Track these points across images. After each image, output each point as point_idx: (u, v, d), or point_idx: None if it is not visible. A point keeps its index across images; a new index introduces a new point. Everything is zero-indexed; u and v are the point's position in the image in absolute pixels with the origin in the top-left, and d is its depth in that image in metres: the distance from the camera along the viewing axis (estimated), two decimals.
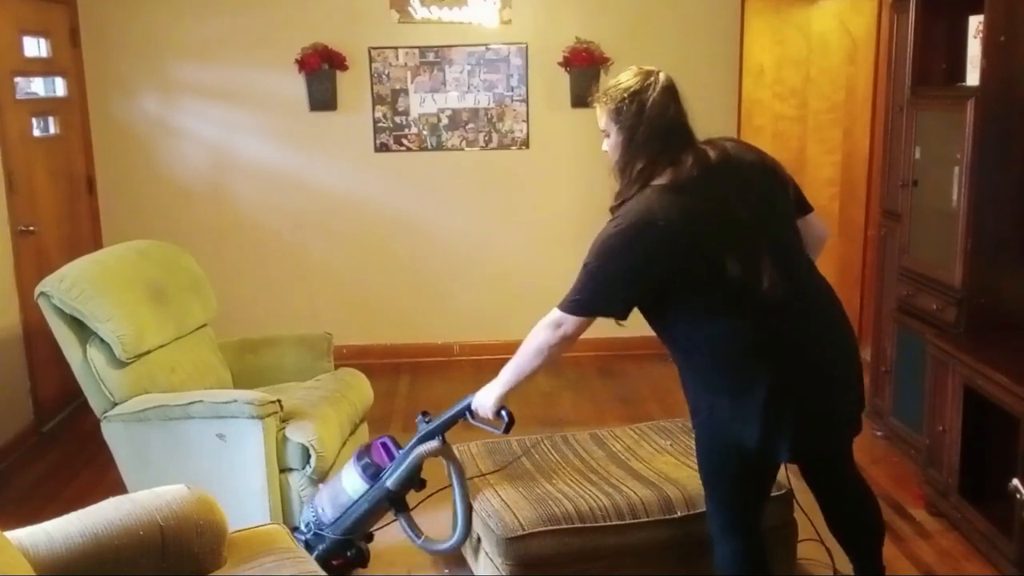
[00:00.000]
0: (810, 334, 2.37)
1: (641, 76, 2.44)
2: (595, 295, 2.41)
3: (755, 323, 2.32)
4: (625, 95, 2.39)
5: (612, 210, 2.49)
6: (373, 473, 2.94)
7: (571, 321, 2.47)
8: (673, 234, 2.31)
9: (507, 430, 2.75)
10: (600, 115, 2.45)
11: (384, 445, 3.01)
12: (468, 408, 2.78)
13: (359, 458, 2.98)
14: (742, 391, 2.34)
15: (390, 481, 2.91)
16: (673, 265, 2.33)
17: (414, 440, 2.92)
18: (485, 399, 2.73)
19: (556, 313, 2.49)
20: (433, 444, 2.88)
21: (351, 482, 2.97)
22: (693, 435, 2.55)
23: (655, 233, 2.33)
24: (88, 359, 3.40)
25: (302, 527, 3.07)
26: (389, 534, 3.54)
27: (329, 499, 3.02)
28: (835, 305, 2.48)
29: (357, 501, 2.96)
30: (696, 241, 2.32)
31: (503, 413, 2.74)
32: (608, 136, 2.47)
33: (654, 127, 2.42)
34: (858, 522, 2.74)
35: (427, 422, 2.94)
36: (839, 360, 2.45)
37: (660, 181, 2.39)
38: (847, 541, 2.77)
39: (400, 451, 2.95)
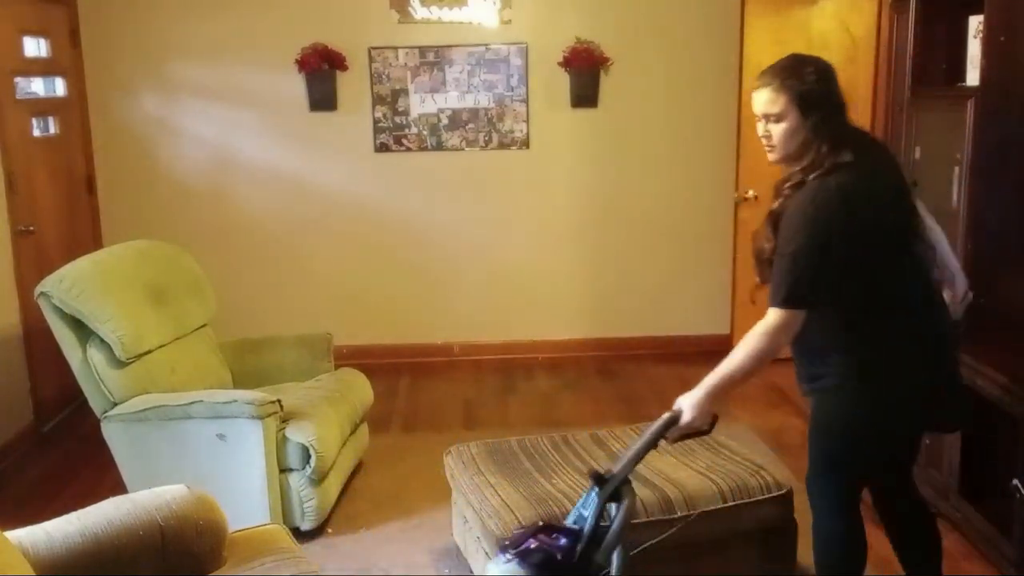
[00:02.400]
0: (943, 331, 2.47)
1: (811, 60, 2.48)
2: (808, 280, 2.31)
3: (923, 308, 2.43)
4: (811, 78, 2.42)
5: (779, 192, 2.44)
6: (552, 566, 2.13)
7: (793, 316, 2.34)
8: (870, 211, 2.33)
9: (712, 428, 2.48)
10: (772, 99, 2.44)
11: (539, 533, 2.20)
12: (666, 428, 2.40)
13: (526, 559, 2.12)
14: (907, 372, 2.38)
15: (602, 555, 2.14)
16: (866, 240, 2.33)
17: (596, 499, 2.17)
18: (703, 406, 2.40)
19: (777, 314, 2.34)
20: (632, 493, 2.23)
21: None
22: (819, 411, 2.48)
23: (852, 207, 2.30)
24: (88, 359, 3.41)
25: None
26: (387, 533, 3.55)
27: None
28: None
29: None
30: (885, 221, 2.37)
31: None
32: (779, 121, 2.45)
33: (838, 110, 2.44)
34: (925, 542, 2.71)
35: (602, 477, 2.19)
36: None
37: (842, 160, 2.36)
38: (911, 560, 2.71)
39: (581, 518, 2.19)
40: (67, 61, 5.22)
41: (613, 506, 2.17)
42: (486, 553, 2.89)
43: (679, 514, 2.84)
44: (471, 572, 3.13)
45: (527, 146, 5.60)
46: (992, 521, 3.11)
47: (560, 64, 5.46)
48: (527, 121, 5.56)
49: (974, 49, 3.48)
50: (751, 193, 5.24)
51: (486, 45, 5.47)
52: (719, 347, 5.60)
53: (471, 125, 5.56)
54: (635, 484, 2.92)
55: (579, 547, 2.12)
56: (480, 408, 4.97)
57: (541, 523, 2.29)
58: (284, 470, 3.43)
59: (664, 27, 5.50)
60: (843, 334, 2.41)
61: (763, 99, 2.47)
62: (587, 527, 2.13)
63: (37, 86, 5.05)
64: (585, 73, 5.45)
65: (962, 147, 3.41)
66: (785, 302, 2.32)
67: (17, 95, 4.67)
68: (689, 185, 5.67)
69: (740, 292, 5.42)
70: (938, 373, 2.44)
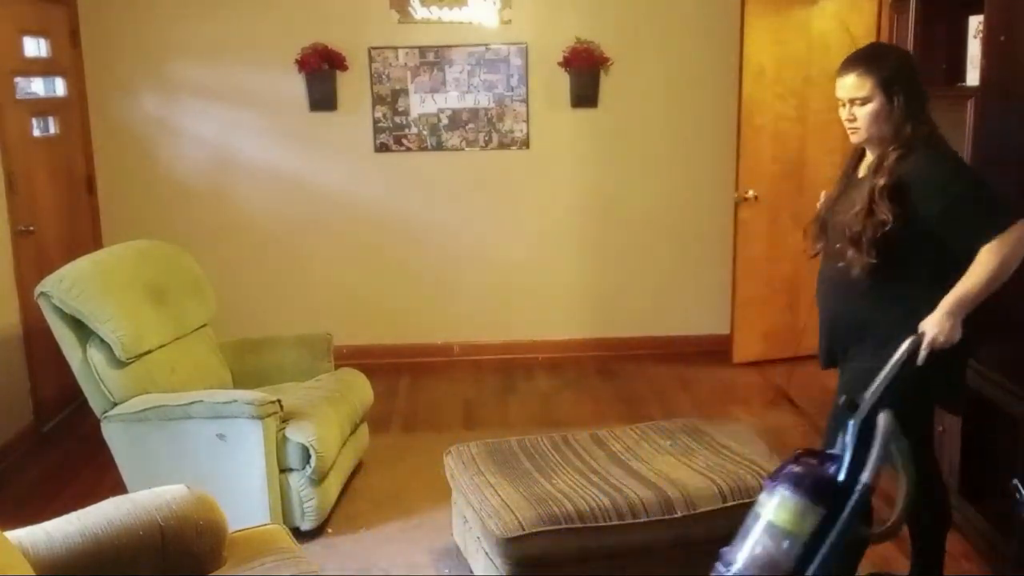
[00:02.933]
0: None
1: (894, 48, 2.80)
2: (997, 197, 2.53)
3: None
4: (895, 63, 2.62)
5: (880, 169, 2.59)
6: (827, 490, 2.18)
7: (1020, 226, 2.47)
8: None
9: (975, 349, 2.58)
10: (858, 84, 2.59)
11: (803, 459, 2.28)
12: (913, 352, 2.42)
13: (798, 484, 2.18)
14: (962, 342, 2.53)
15: (867, 475, 2.18)
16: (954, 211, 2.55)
17: (854, 425, 2.25)
18: (945, 328, 2.45)
19: (1007, 231, 2.45)
20: (889, 413, 2.25)
21: (799, 519, 2.16)
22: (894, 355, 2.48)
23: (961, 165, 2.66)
24: (88, 359, 3.41)
25: None
26: (387, 533, 3.55)
27: (763, 559, 2.21)
28: None
29: (824, 539, 2.15)
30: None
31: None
32: (865, 103, 2.61)
33: (918, 95, 2.63)
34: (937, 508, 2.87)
35: (855, 403, 2.29)
36: None
37: (937, 131, 2.62)
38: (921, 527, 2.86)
39: (843, 445, 2.26)
40: (67, 61, 5.22)
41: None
42: (486, 553, 2.89)
43: (679, 514, 2.84)
44: (471, 572, 3.13)
45: (527, 146, 5.60)
46: (992, 521, 3.11)
47: (560, 64, 5.46)
48: (527, 121, 5.56)
49: (974, 49, 3.48)
50: (751, 193, 5.24)
51: (486, 45, 5.47)
52: (719, 347, 5.63)
53: (471, 125, 5.56)
54: (635, 484, 2.93)
55: (843, 471, 2.20)
56: (480, 408, 4.97)
57: (799, 451, 2.35)
58: (284, 470, 3.43)
59: (664, 27, 5.50)
60: (928, 294, 2.53)
61: (849, 83, 2.62)
62: (848, 451, 2.21)
63: (37, 86, 5.05)
64: (585, 73, 5.45)
65: (962, 147, 3.41)
66: (1008, 213, 2.47)
67: (17, 95, 4.67)
68: (689, 185, 5.67)
69: (740, 292, 5.41)
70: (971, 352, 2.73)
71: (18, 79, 4.69)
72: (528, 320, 5.80)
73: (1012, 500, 2.87)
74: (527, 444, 3.30)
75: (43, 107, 5.03)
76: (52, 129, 5.07)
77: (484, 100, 5.53)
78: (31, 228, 4.61)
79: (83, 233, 5.29)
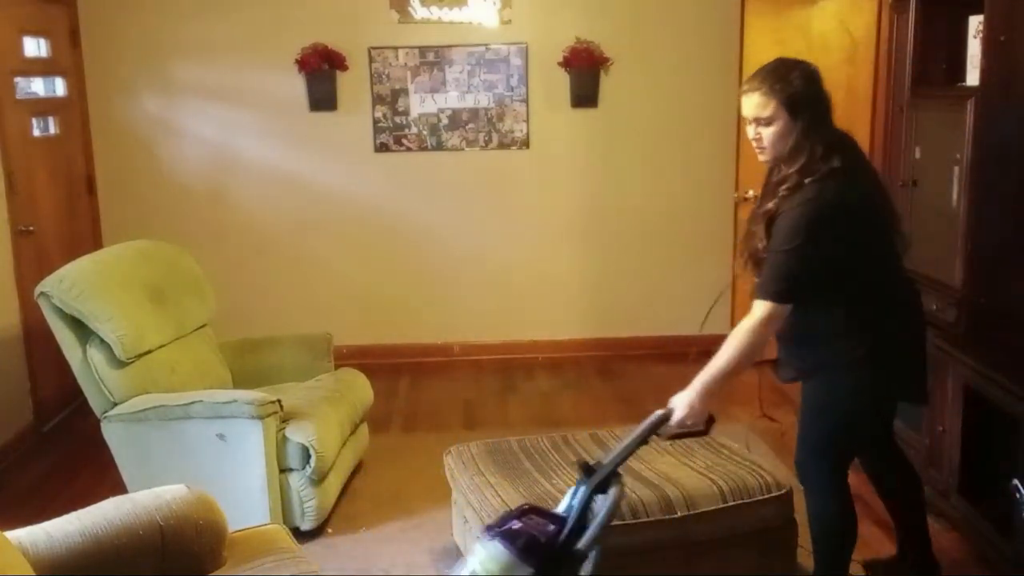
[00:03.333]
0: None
1: (798, 63, 2.58)
2: (801, 277, 2.49)
3: (907, 292, 2.70)
4: (798, 82, 2.52)
5: (773, 193, 2.55)
6: (539, 551, 2.13)
7: (782, 310, 2.51)
8: (871, 205, 2.57)
9: (708, 429, 2.59)
10: (761, 103, 2.53)
11: (526, 516, 2.21)
12: (657, 426, 2.49)
13: (513, 541, 2.12)
14: (899, 347, 2.63)
15: (585, 543, 2.15)
16: (868, 234, 2.55)
17: (584, 490, 2.22)
18: (694, 404, 2.52)
19: (767, 307, 2.50)
20: (620, 486, 2.24)
21: (503, 573, 2.09)
22: (819, 386, 2.66)
23: (849, 211, 2.50)
24: (88, 359, 3.41)
25: None
26: (387, 533, 3.55)
27: None
28: None
29: None
30: (876, 221, 2.58)
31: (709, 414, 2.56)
32: (769, 124, 2.55)
33: (826, 112, 2.57)
34: (910, 490, 2.98)
35: (590, 468, 2.26)
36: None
37: (834, 165, 2.50)
38: (906, 501, 2.99)
39: (570, 507, 2.22)
40: (67, 61, 5.22)
41: (599, 498, 2.20)
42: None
43: (679, 514, 2.84)
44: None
45: (527, 146, 5.60)
46: (992, 521, 3.11)
47: (560, 64, 5.46)
48: (527, 121, 5.56)
49: (974, 49, 3.47)
50: (751, 193, 5.24)
51: (486, 45, 5.47)
52: (719, 347, 5.61)
53: (471, 125, 5.56)
54: (635, 484, 2.93)
55: (563, 534, 2.14)
56: (480, 408, 4.97)
57: (526, 506, 2.29)
58: (284, 470, 3.43)
59: (664, 27, 5.50)
60: (847, 321, 2.58)
61: (753, 103, 2.55)
62: (572, 515, 2.17)
63: (37, 86, 5.05)
64: (585, 73, 5.45)
65: (962, 147, 3.41)
66: (776, 296, 2.49)
67: (17, 95, 4.67)
68: (689, 185, 5.67)
69: (740, 292, 5.41)
70: (923, 347, 2.72)
71: (18, 79, 4.69)
72: (528, 320, 5.80)
73: (1012, 500, 2.87)
74: (527, 444, 3.30)
75: (43, 107, 5.03)
76: (52, 129, 5.07)
77: (484, 100, 5.53)
78: (31, 228, 4.61)
79: (83, 233, 5.29)
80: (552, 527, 2.18)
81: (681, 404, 2.52)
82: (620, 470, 2.26)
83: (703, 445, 3.25)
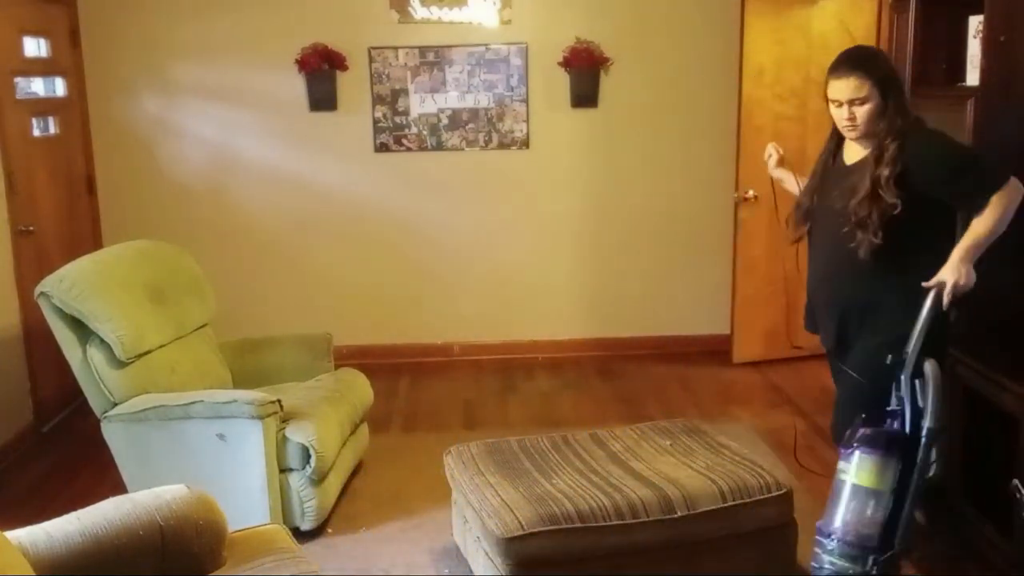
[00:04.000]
0: None
1: (877, 50, 3.09)
2: (990, 162, 2.80)
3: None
4: (885, 65, 2.89)
5: (883, 158, 2.79)
6: (900, 444, 2.49)
7: (1017, 182, 2.73)
8: None
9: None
10: (858, 85, 2.80)
11: (864, 425, 2.56)
12: (939, 300, 2.66)
13: (872, 445, 2.49)
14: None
15: (931, 420, 2.50)
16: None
17: (905, 380, 2.58)
18: (962, 268, 2.68)
19: (1008, 183, 2.71)
20: (933, 362, 2.58)
21: (880, 475, 2.46)
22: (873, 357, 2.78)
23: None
24: (88, 359, 3.41)
25: None
26: (387, 533, 3.55)
27: (855, 519, 2.53)
28: None
29: (903, 488, 2.49)
30: None
31: None
32: (864, 103, 2.81)
33: (902, 90, 2.93)
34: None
35: (900, 361, 2.60)
36: None
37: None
38: None
39: (900, 400, 2.56)
40: (67, 61, 5.22)
41: (918, 383, 2.56)
42: (486, 553, 2.89)
43: (679, 514, 2.84)
44: (471, 572, 3.13)
45: (527, 146, 5.60)
46: (992, 521, 3.11)
47: (560, 64, 5.46)
48: (527, 121, 5.56)
49: (974, 49, 3.48)
50: (751, 193, 5.24)
51: (486, 45, 5.47)
52: (719, 347, 5.63)
53: (471, 125, 5.56)
54: (635, 483, 2.93)
55: (907, 424, 2.49)
56: (480, 408, 4.97)
57: (863, 415, 2.58)
58: (284, 470, 3.43)
59: (664, 27, 5.50)
60: (930, 259, 2.77)
61: (851, 85, 2.81)
62: (907, 405, 2.52)
63: (37, 86, 5.05)
64: (585, 73, 5.45)
65: None
66: (1004, 175, 2.72)
67: (17, 95, 4.67)
68: (689, 185, 5.67)
69: (740, 292, 5.42)
70: None
71: (18, 79, 4.69)
72: (528, 320, 5.80)
73: (1012, 500, 2.87)
74: (527, 444, 3.30)
75: (43, 107, 5.03)
76: (52, 129, 5.07)
77: (484, 100, 5.53)
78: (31, 228, 4.61)
79: (83, 233, 5.29)
80: (894, 422, 2.51)
81: (950, 273, 2.67)
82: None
83: (703, 445, 3.25)
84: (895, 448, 2.49)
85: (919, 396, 2.55)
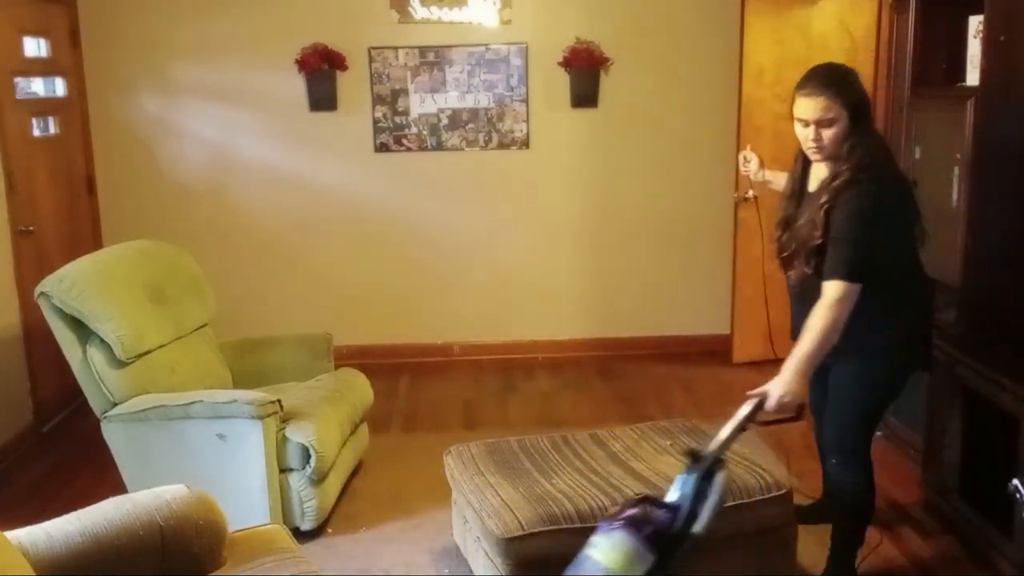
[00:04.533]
0: None
1: (848, 69, 2.82)
2: (867, 259, 2.68)
3: (923, 276, 2.94)
4: (858, 87, 2.76)
5: (830, 187, 2.75)
6: (662, 538, 2.24)
7: (855, 288, 2.66)
8: (906, 200, 2.83)
9: (800, 415, 2.66)
10: (827, 106, 2.71)
11: (642, 504, 2.32)
12: (756, 411, 2.53)
13: (638, 529, 2.23)
14: (922, 328, 2.93)
15: (700, 527, 2.27)
16: (904, 226, 2.82)
17: (695, 477, 2.32)
18: (792, 388, 2.58)
19: (841, 286, 2.65)
20: (725, 471, 2.38)
21: (628, 562, 2.20)
22: (861, 367, 2.83)
23: (896, 203, 2.77)
24: (88, 359, 3.41)
25: None
26: (387, 533, 3.55)
27: None
28: None
29: None
30: (908, 212, 2.83)
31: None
32: (831, 125, 2.73)
33: (871, 113, 2.84)
34: None
35: (697, 456, 2.37)
36: None
37: (882, 162, 2.77)
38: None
39: (682, 496, 2.32)
40: (67, 61, 5.22)
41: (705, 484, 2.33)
42: (486, 553, 2.89)
43: None
44: (471, 572, 3.13)
45: (527, 146, 5.60)
46: (992, 521, 3.11)
47: (560, 64, 5.46)
48: (527, 121, 5.56)
49: (974, 49, 3.48)
50: (751, 193, 5.19)
51: (486, 45, 5.47)
52: (719, 347, 5.63)
53: (471, 125, 5.56)
54: (635, 483, 2.93)
55: (679, 521, 2.26)
56: (480, 408, 4.97)
57: (638, 496, 2.45)
58: (284, 470, 3.43)
59: (664, 27, 5.50)
60: (884, 305, 2.77)
61: (819, 106, 2.71)
62: (687, 503, 2.28)
63: (37, 86, 5.05)
64: (585, 73, 5.45)
65: (962, 147, 3.41)
66: (849, 276, 2.65)
67: (17, 95, 4.67)
68: (689, 185, 5.67)
69: (740, 292, 5.41)
70: (932, 321, 3.04)
71: (18, 79, 4.69)
72: (528, 320, 5.80)
73: (1012, 500, 2.87)
74: (527, 444, 3.30)
75: (43, 107, 5.03)
76: (52, 129, 5.07)
77: (484, 100, 5.53)
78: (31, 228, 4.61)
79: (83, 233, 5.29)
80: (667, 514, 2.28)
81: (777, 387, 2.57)
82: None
83: (704, 445, 3.24)
84: (655, 542, 2.23)
85: (701, 499, 2.30)
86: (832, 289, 2.65)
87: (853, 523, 3.01)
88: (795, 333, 3.05)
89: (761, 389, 2.57)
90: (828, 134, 2.73)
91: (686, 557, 2.25)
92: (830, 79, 2.74)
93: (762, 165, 3.40)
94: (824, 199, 2.73)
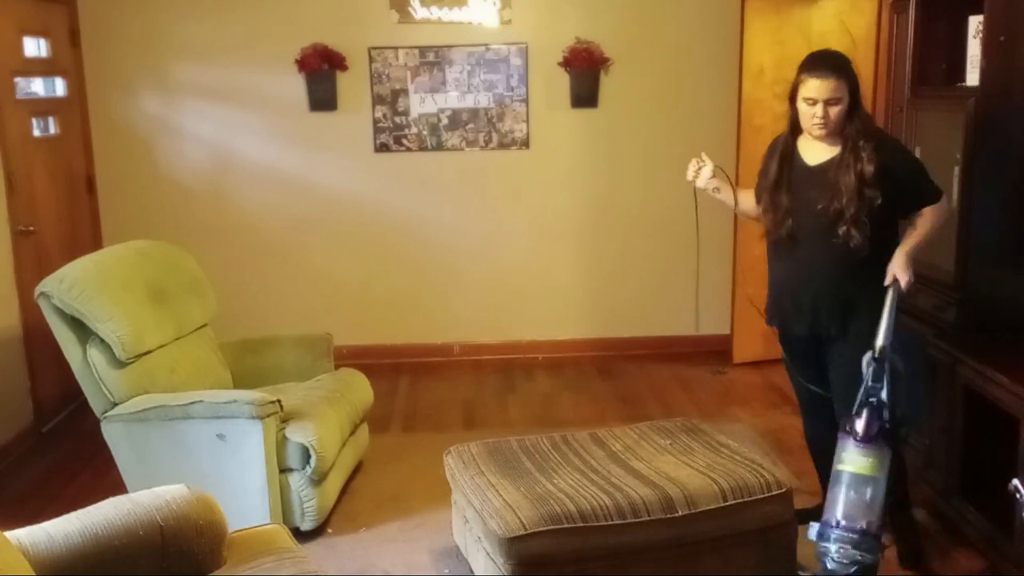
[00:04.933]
0: None
1: (845, 55, 3.11)
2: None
3: None
4: (853, 71, 3.05)
5: (859, 155, 3.00)
6: (891, 435, 2.81)
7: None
8: None
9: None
10: (837, 86, 2.98)
11: (861, 414, 2.84)
12: (899, 295, 2.95)
13: (868, 439, 2.80)
14: None
15: (903, 408, 2.91)
16: None
17: (885, 370, 2.88)
18: (910, 272, 2.97)
19: (943, 200, 3.08)
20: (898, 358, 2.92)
21: (877, 463, 2.76)
22: (861, 343, 2.99)
23: None
24: (88, 359, 3.41)
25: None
26: (387, 533, 3.55)
27: (856, 504, 2.75)
28: None
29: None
30: None
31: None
32: (837, 104, 3.00)
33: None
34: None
35: (878, 352, 2.89)
36: None
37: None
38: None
39: (873, 392, 2.87)
40: (67, 61, 5.22)
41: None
42: (487, 553, 2.89)
43: (680, 513, 2.84)
44: (471, 572, 3.13)
45: (527, 146, 5.60)
46: (992, 521, 3.11)
47: (560, 64, 5.46)
48: (527, 121, 5.56)
49: (974, 49, 3.48)
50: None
51: (486, 45, 5.47)
52: (719, 347, 5.63)
53: (471, 125, 5.56)
54: (635, 483, 2.93)
55: (889, 414, 2.81)
56: (480, 408, 4.97)
57: (859, 402, 2.85)
58: (284, 470, 3.43)
59: (664, 27, 5.50)
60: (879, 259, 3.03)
61: (830, 86, 2.98)
62: (886, 395, 2.84)
63: (37, 86, 5.04)
64: (585, 73, 5.44)
65: (962, 147, 3.41)
66: (938, 194, 3.07)
67: (17, 95, 4.67)
68: (689, 185, 5.65)
69: (740, 292, 5.41)
70: None
71: (18, 79, 4.69)
72: (528, 320, 5.80)
73: (1012, 500, 2.87)
74: (527, 444, 3.30)
75: (43, 107, 5.03)
76: (52, 129, 5.07)
77: (484, 100, 5.53)
78: (31, 228, 4.61)
79: (83, 233, 5.29)
80: (880, 415, 2.80)
81: (901, 270, 2.96)
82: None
83: (703, 444, 3.25)
84: (888, 440, 2.78)
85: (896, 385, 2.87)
86: (942, 200, 3.06)
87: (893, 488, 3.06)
88: (775, 315, 3.31)
89: (889, 277, 2.96)
90: (835, 111, 2.99)
91: (907, 433, 2.91)
92: (838, 63, 3.02)
93: (715, 174, 3.43)
94: (869, 167, 2.95)
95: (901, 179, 3.02)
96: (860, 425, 2.80)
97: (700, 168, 3.42)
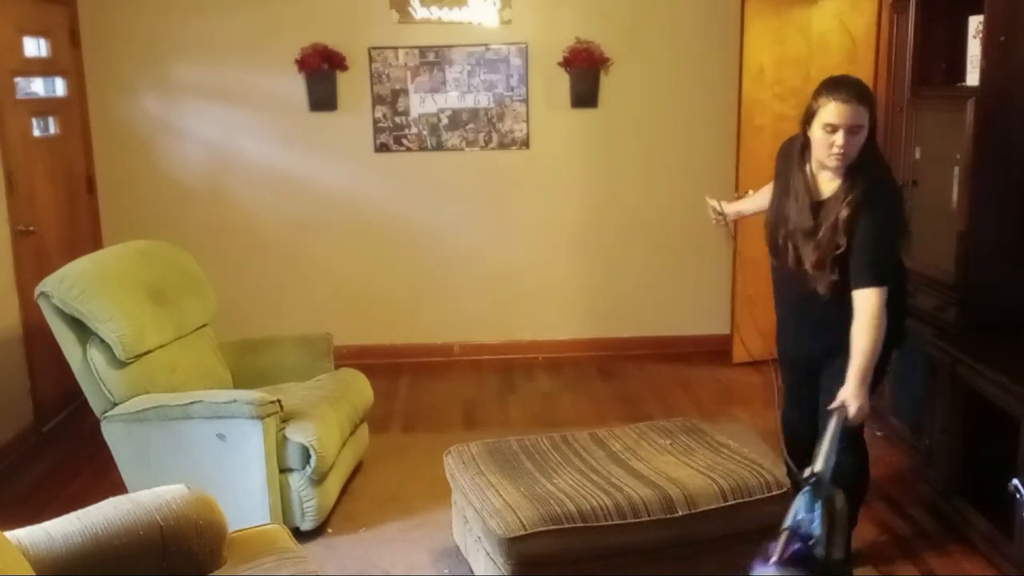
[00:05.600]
0: None
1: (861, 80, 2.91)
2: (890, 262, 2.85)
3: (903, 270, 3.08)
4: (871, 93, 2.87)
5: (847, 199, 2.80)
6: (815, 568, 2.41)
7: (885, 291, 2.76)
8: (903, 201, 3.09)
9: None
10: (861, 114, 2.75)
11: (788, 543, 2.43)
12: (841, 423, 2.64)
13: (791, 566, 2.38)
14: (901, 301, 3.01)
15: (837, 552, 2.46)
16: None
17: (821, 502, 2.46)
18: (861, 399, 2.70)
19: (878, 293, 2.74)
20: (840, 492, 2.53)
21: None
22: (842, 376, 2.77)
23: (904, 202, 3.09)
24: (88, 359, 3.41)
25: None
26: (387, 533, 3.55)
27: None
28: None
29: None
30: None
31: None
32: (858, 133, 2.76)
33: None
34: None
35: (812, 478, 2.48)
36: None
37: (888, 169, 2.99)
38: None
39: (808, 520, 2.45)
40: (67, 61, 5.22)
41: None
42: (487, 553, 2.89)
43: (680, 513, 2.84)
44: (471, 572, 3.13)
45: (527, 146, 5.60)
46: (992, 521, 3.11)
47: (560, 64, 5.46)
48: (527, 121, 5.56)
49: (974, 49, 3.48)
50: (751, 193, 5.22)
51: (486, 45, 5.47)
52: (719, 347, 5.63)
53: (471, 125, 5.56)
54: (635, 483, 2.94)
55: (819, 549, 2.40)
56: (480, 408, 4.97)
57: (782, 530, 2.47)
58: (284, 470, 3.43)
59: (664, 27, 5.50)
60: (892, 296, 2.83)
61: (854, 112, 2.74)
62: (818, 529, 2.41)
63: (37, 86, 5.04)
64: (585, 73, 5.44)
65: (962, 147, 3.41)
66: (885, 280, 2.75)
67: (17, 95, 4.66)
68: (689, 185, 5.66)
69: (740, 292, 5.41)
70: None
71: (18, 79, 4.69)
72: (528, 320, 5.80)
73: (1012, 500, 2.87)
74: (527, 444, 3.30)
75: (43, 107, 5.03)
76: (52, 129, 5.07)
77: (484, 100, 5.53)
78: (31, 228, 4.61)
79: (83, 233, 5.29)
80: (807, 546, 2.41)
81: (852, 398, 2.69)
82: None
83: (703, 444, 3.25)
84: (804, 564, 2.40)
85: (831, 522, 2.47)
86: (874, 296, 2.73)
87: (850, 501, 2.94)
88: (811, 353, 3.06)
89: (838, 402, 2.68)
90: (855, 141, 2.75)
91: None
92: (863, 92, 2.79)
93: (730, 201, 3.50)
94: (846, 209, 2.77)
95: (857, 236, 2.77)
96: (775, 547, 2.39)
97: (719, 213, 3.55)
